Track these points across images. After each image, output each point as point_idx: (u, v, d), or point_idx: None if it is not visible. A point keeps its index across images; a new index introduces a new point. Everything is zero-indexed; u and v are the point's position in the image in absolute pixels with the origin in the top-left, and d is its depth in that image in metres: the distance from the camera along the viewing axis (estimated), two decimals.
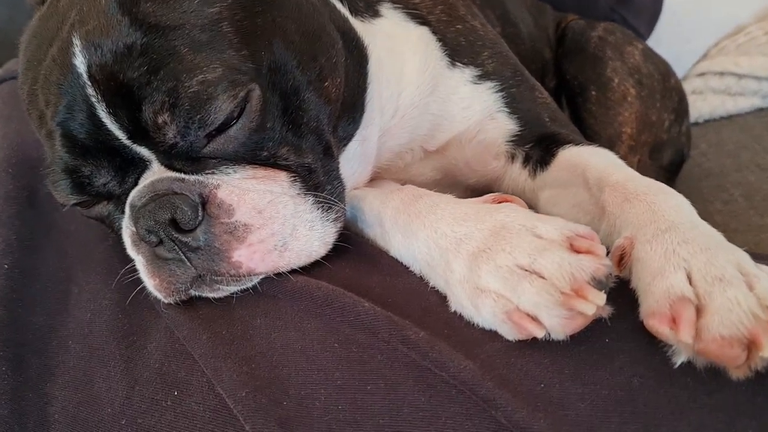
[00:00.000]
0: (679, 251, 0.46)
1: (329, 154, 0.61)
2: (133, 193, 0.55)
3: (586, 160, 0.69)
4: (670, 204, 0.53)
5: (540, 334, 0.45)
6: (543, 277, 0.45)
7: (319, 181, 0.59)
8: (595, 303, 0.43)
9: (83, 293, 0.65)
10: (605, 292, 0.45)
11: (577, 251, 0.46)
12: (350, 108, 0.66)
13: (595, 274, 0.44)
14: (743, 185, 1.13)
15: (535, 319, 0.45)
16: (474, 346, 0.48)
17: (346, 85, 0.64)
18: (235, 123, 0.53)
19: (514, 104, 0.77)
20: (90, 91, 0.52)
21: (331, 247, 0.59)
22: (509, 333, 0.47)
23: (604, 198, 0.59)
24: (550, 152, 0.74)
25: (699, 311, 0.42)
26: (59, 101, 0.54)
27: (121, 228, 0.58)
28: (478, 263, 0.49)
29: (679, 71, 1.35)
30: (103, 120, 0.53)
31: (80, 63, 0.52)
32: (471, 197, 0.81)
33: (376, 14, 0.75)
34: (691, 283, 0.43)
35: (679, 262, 0.45)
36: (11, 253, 0.66)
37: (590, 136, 0.90)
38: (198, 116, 0.51)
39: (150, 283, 0.57)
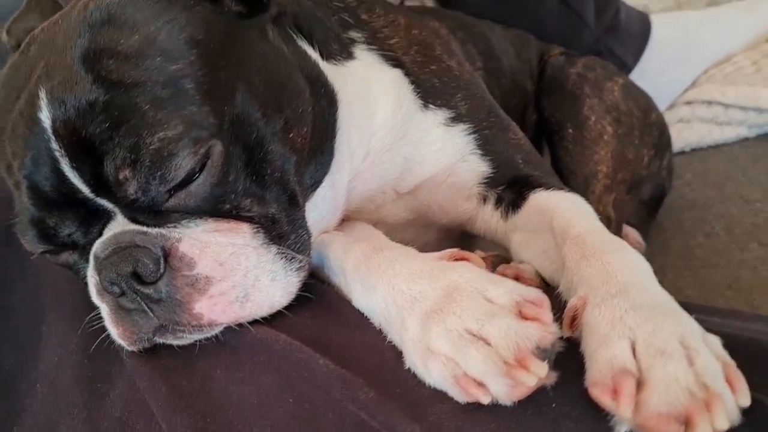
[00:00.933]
0: (625, 319, 0.46)
1: (294, 203, 0.62)
2: (97, 245, 0.56)
3: (554, 206, 0.70)
4: (625, 264, 0.53)
5: (485, 400, 0.45)
6: (489, 344, 0.46)
7: (283, 231, 0.60)
8: (537, 374, 0.43)
9: (52, 336, 0.65)
10: (551, 359, 0.46)
11: (525, 318, 0.47)
12: (319, 154, 0.66)
13: (540, 343, 0.45)
14: (725, 218, 1.14)
15: (482, 384, 0.46)
16: (423, 407, 0.48)
17: (314, 132, 0.65)
18: (197, 178, 0.54)
19: (486, 146, 0.77)
20: (54, 145, 0.53)
21: (294, 296, 0.60)
22: (458, 396, 0.47)
23: (564, 251, 0.60)
24: (522, 195, 0.75)
25: (640, 384, 0.42)
26: (25, 154, 0.55)
27: (86, 276, 0.59)
28: (430, 324, 0.50)
29: (667, 99, 1.37)
30: (66, 174, 0.53)
31: (45, 117, 0.53)
32: (445, 237, 0.83)
33: (350, 56, 0.75)
34: (635, 355, 0.44)
35: (624, 331, 0.45)
36: None
37: (567, 175, 0.90)
38: (159, 173, 0.52)
39: (114, 331, 0.58)
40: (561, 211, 0.68)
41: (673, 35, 1.35)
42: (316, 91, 0.66)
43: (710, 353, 0.44)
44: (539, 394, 0.47)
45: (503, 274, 0.70)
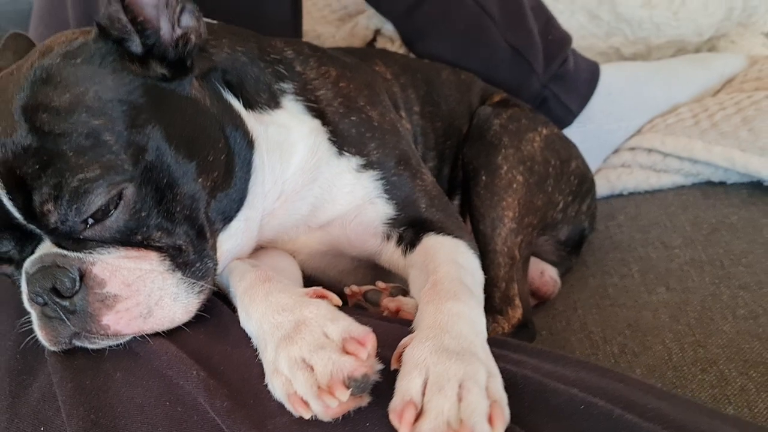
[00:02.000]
0: (427, 359, 0.57)
1: (202, 236, 0.73)
2: (27, 262, 0.68)
3: (436, 250, 0.81)
4: (454, 312, 0.64)
5: (306, 416, 0.56)
6: (313, 371, 0.57)
7: (189, 260, 0.71)
8: (340, 399, 0.54)
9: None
10: (366, 387, 0.57)
11: (347, 352, 0.58)
12: (231, 194, 0.77)
13: (351, 374, 0.56)
14: (643, 261, 1.23)
15: (306, 402, 0.57)
16: (267, 418, 0.59)
17: (226, 175, 0.76)
18: (112, 215, 0.66)
19: (392, 191, 0.88)
20: None
21: (193, 314, 0.71)
22: (291, 410, 0.58)
23: (422, 292, 0.71)
24: (418, 236, 0.86)
25: (420, 414, 0.53)
26: None
27: (20, 286, 0.70)
28: (280, 349, 0.61)
29: (612, 144, 1.47)
30: (4, 203, 0.65)
31: None
32: (359, 265, 0.94)
33: (277, 105, 0.86)
34: (424, 389, 0.54)
35: (422, 368, 0.56)
36: None
37: (477, 217, 1.01)
38: (75, 206, 0.64)
39: (38, 333, 0.70)
40: (438, 255, 0.79)
41: (623, 85, 1.44)
42: (233, 139, 0.78)
43: (482, 394, 0.54)
44: (359, 412, 0.57)
45: (386, 306, 0.81)
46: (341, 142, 0.87)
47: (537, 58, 1.34)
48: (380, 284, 0.89)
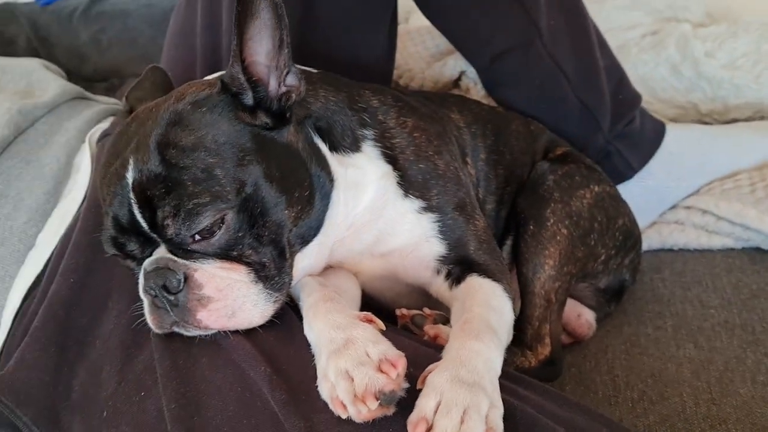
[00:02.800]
0: (444, 386, 0.71)
1: (282, 256, 0.90)
2: (146, 262, 0.86)
3: (475, 291, 0.95)
4: (475, 350, 0.77)
5: (344, 416, 0.72)
6: (353, 382, 0.72)
7: (270, 275, 0.88)
8: (369, 407, 0.69)
9: (114, 308, 0.97)
10: (393, 400, 0.72)
11: (381, 371, 0.73)
12: (311, 222, 0.93)
13: (382, 389, 0.71)
14: (679, 316, 1.32)
15: (345, 405, 0.72)
16: (314, 412, 0.75)
17: (309, 208, 0.92)
18: (216, 234, 0.83)
19: (446, 232, 1.03)
20: (131, 195, 0.83)
21: (267, 318, 0.88)
22: (333, 410, 0.74)
23: (454, 327, 0.85)
24: (464, 275, 1.00)
25: (430, 429, 0.67)
26: (114, 197, 0.85)
27: (137, 278, 0.89)
28: (330, 360, 0.76)
29: (670, 201, 1.55)
30: (135, 214, 0.84)
31: (129, 177, 0.83)
32: (413, 290, 1.08)
33: (357, 149, 1.02)
34: (437, 409, 0.69)
35: (438, 393, 0.70)
36: (78, 271, 1.00)
37: (521, 260, 1.13)
38: (187, 224, 0.81)
39: (148, 317, 0.88)
40: (476, 296, 0.93)
41: (686, 147, 1.52)
42: (317, 178, 0.94)
43: (481, 420, 0.68)
44: (385, 419, 0.72)
45: (427, 332, 0.96)
46: (407, 186, 1.02)
47: (605, 116, 1.44)
48: (426, 311, 1.04)
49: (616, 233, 1.23)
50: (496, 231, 1.25)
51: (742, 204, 1.44)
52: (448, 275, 1.03)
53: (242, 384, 0.81)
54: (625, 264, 1.28)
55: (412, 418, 0.69)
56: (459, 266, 1.02)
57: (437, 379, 0.72)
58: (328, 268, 1.04)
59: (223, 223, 0.83)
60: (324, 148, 0.98)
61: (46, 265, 1.09)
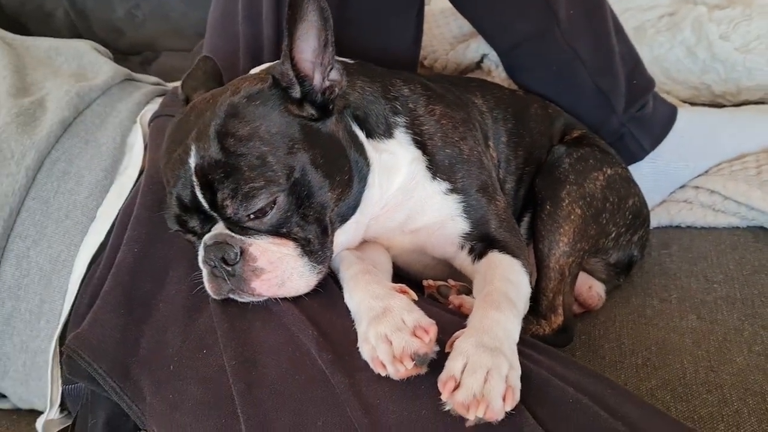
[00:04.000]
0: (469, 350, 0.82)
1: (325, 233, 1.01)
2: (206, 236, 0.98)
3: (495, 266, 1.06)
4: (496, 319, 0.88)
5: (383, 373, 0.84)
6: (392, 344, 0.84)
7: (314, 249, 0.99)
8: (407, 367, 0.81)
9: (174, 275, 1.09)
10: (426, 360, 0.83)
11: (415, 335, 0.84)
12: (350, 202, 1.04)
13: (417, 351, 0.82)
14: (683, 290, 1.42)
15: (384, 365, 0.84)
16: (356, 371, 0.87)
17: (348, 190, 1.02)
18: (269, 214, 0.94)
19: (470, 212, 1.13)
20: (194, 178, 0.94)
21: (312, 288, 0.99)
22: (374, 368, 0.86)
23: (477, 298, 0.96)
24: (485, 251, 1.11)
25: (457, 386, 0.79)
26: (177, 179, 0.96)
27: (197, 251, 1.01)
28: (370, 326, 0.88)
29: (679, 181, 1.65)
30: (197, 195, 0.95)
31: (192, 163, 0.94)
32: (439, 263, 1.19)
33: (390, 135, 1.12)
34: (464, 369, 0.80)
35: (464, 356, 0.81)
36: (141, 242, 1.12)
37: (537, 237, 1.24)
38: (244, 205, 0.92)
39: (207, 285, 1.00)
40: (496, 271, 1.04)
41: (696, 131, 1.61)
42: (355, 163, 1.04)
43: (501, 380, 0.79)
44: (418, 378, 0.84)
45: (452, 302, 1.07)
46: (435, 169, 1.12)
47: (619, 100, 1.53)
48: (451, 282, 1.15)
49: (626, 212, 1.33)
50: (515, 208, 1.35)
51: (748, 185, 1.52)
52: (471, 251, 1.13)
53: (293, 344, 0.92)
54: (634, 241, 1.38)
55: (442, 377, 0.81)
56: (481, 243, 1.13)
57: (464, 345, 0.84)
58: (363, 243, 1.15)
59: (275, 204, 0.94)
60: (361, 135, 1.08)
61: (106, 237, 1.21)
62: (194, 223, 0.99)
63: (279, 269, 0.96)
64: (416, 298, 0.96)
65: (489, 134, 1.31)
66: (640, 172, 1.59)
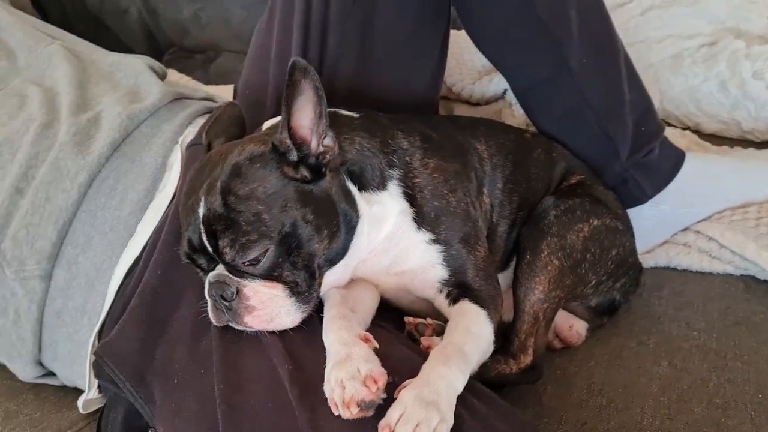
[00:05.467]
0: (408, 401, 0.96)
1: (312, 277, 1.16)
2: (210, 274, 1.15)
3: (462, 316, 1.20)
4: (441, 374, 1.02)
5: (336, 413, 1.00)
6: (344, 390, 0.99)
7: (301, 291, 1.15)
8: (352, 413, 0.97)
9: (188, 300, 1.26)
10: (373, 407, 0.98)
11: (366, 384, 0.99)
12: (338, 250, 1.19)
13: (364, 399, 0.97)
14: (662, 335, 1.51)
15: (336, 405, 1.00)
16: (319, 405, 1.03)
17: (336, 240, 1.16)
18: (261, 262, 1.10)
19: (450, 260, 1.26)
20: (201, 226, 1.11)
21: (297, 324, 1.16)
22: (331, 407, 1.01)
23: (433, 350, 1.10)
24: (459, 297, 1.25)
25: None
26: (189, 224, 1.13)
27: (204, 283, 1.19)
28: (333, 369, 1.03)
29: (682, 224, 1.71)
30: (204, 240, 1.12)
31: (200, 212, 1.11)
32: (421, 300, 1.33)
33: (383, 188, 1.25)
34: (399, 418, 0.95)
35: (403, 406, 0.96)
36: (164, 265, 1.30)
37: (516, 283, 1.35)
38: (240, 254, 1.09)
39: (210, 313, 1.17)
40: (460, 321, 1.18)
41: (702, 177, 1.65)
42: (345, 215, 1.18)
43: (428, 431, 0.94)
44: (366, 419, 0.99)
45: (422, 342, 1.22)
46: (421, 220, 1.25)
47: (624, 146, 1.60)
48: (429, 321, 1.29)
49: (609, 262, 1.42)
50: (507, 249, 1.47)
51: (745, 236, 1.58)
52: (448, 295, 1.27)
53: (272, 375, 1.10)
54: (616, 287, 1.47)
55: (382, 423, 0.96)
56: (457, 289, 1.26)
57: (405, 396, 0.99)
58: (354, 280, 1.30)
59: (266, 254, 1.10)
60: (354, 189, 1.21)
61: (142, 250, 1.41)
62: (201, 261, 1.16)
63: (268, 308, 1.13)
64: (377, 346, 1.10)
65: (485, 181, 1.42)
66: (642, 214, 1.67)
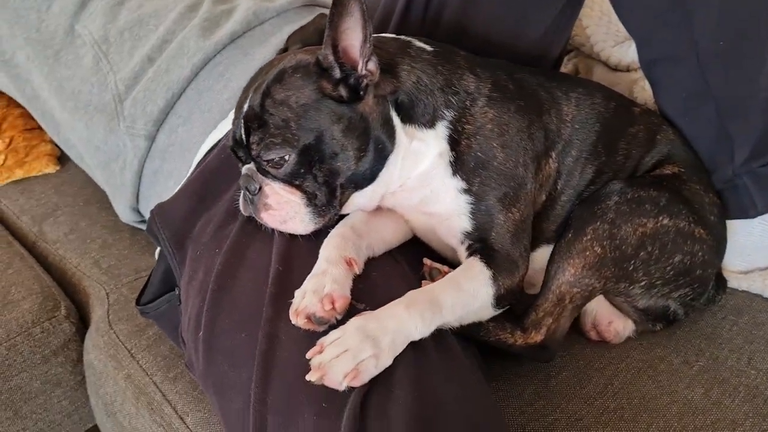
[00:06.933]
0: (350, 328, 0.98)
1: (332, 194, 1.19)
2: (244, 167, 1.24)
3: (462, 268, 1.19)
4: (396, 314, 1.02)
5: (292, 319, 1.06)
6: (305, 300, 1.05)
7: (318, 204, 1.18)
8: (299, 323, 1.02)
9: (235, 184, 1.39)
10: (322, 322, 1.03)
11: (322, 301, 1.04)
12: (365, 174, 1.20)
13: (314, 314, 1.03)
14: (715, 361, 1.35)
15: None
16: (284, 309, 1.10)
17: (361, 164, 1.17)
18: (283, 166, 1.16)
19: (477, 214, 1.23)
20: (242, 121, 1.19)
21: (309, 232, 1.22)
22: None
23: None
24: (475, 252, 1.22)
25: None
26: (236, 117, 1.22)
27: None
28: (309, 279, 1.09)
29: None
30: (242, 134, 1.20)
31: (245, 108, 1.19)
32: (450, 250, 1.33)
33: (431, 126, 1.23)
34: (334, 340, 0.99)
35: (343, 331, 0.98)
36: (226, 150, 1.43)
37: (551, 258, 1.27)
38: (263, 152, 1.15)
39: (239, 203, 1.27)
40: (456, 273, 1.16)
41: None
42: (377, 143, 1.19)
43: (351, 361, 0.93)
44: (315, 335, 1.05)
45: (424, 284, 1.22)
46: (458, 167, 1.23)
47: (743, 149, 1.40)
48: (445, 268, 1.28)
49: (668, 267, 1.29)
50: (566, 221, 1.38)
51: None
52: (469, 247, 1.25)
53: (265, 271, 1.18)
54: (673, 296, 1.33)
55: (320, 340, 1.01)
56: (479, 243, 1.24)
57: (352, 323, 1.02)
58: (384, 210, 1.32)
59: (287, 160, 1.16)
60: (396, 120, 1.21)
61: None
62: (241, 153, 1.25)
63: (284, 210, 1.20)
64: (357, 273, 1.14)
65: (557, 144, 1.33)
66: (749, 228, 1.47)
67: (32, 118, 2.05)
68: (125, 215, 1.78)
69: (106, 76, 1.71)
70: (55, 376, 1.63)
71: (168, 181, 1.60)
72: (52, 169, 2.17)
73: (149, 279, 1.48)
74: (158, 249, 1.60)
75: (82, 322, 1.70)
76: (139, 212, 1.76)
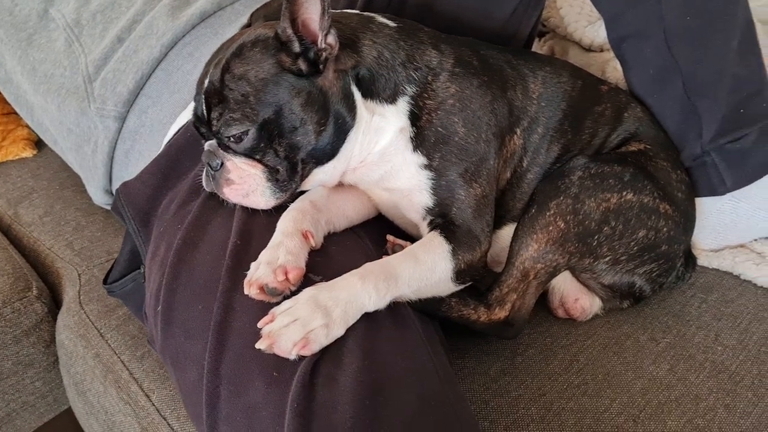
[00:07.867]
0: (302, 298, 0.99)
1: (293, 169, 1.18)
2: (206, 143, 1.24)
3: (421, 242, 1.18)
4: (350, 284, 1.01)
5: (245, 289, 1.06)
6: (258, 271, 1.04)
7: (279, 178, 1.18)
8: (251, 292, 1.02)
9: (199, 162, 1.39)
10: (274, 293, 1.03)
11: (275, 272, 1.04)
12: (325, 149, 1.20)
13: (267, 284, 1.02)
14: (681, 338, 1.35)
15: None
16: (240, 281, 1.09)
17: (321, 140, 1.17)
18: (243, 140, 1.16)
19: (437, 190, 1.23)
20: (203, 96, 1.19)
21: (270, 207, 1.21)
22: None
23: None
24: (436, 226, 1.22)
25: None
26: (197, 93, 1.21)
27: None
28: (266, 250, 1.09)
29: (758, 231, 1.49)
30: (203, 110, 1.20)
31: (205, 83, 1.19)
32: (413, 226, 1.32)
33: (392, 102, 1.22)
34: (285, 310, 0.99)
35: (295, 301, 0.99)
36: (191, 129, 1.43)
37: (515, 234, 1.27)
38: (223, 128, 1.15)
39: (202, 178, 1.27)
40: (417, 246, 1.16)
41: None
42: (337, 118, 1.19)
43: (300, 331, 0.93)
44: (269, 303, 1.04)
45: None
46: (418, 142, 1.22)
47: (711, 127, 1.39)
48: (407, 244, 1.28)
49: (632, 243, 1.28)
50: None
51: None
52: (430, 223, 1.25)
53: (223, 244, 1.18)
54: (638, 272, 1.33)
55: (272, 309, 1.01)
56: (440, 219, 1.23)
57: (305, 292, 1.02)
58: (346, 186, 1.31)
59: (247, 135, 1.15)
60: (357, 95, 1.21)
61: None
62: (203, 130, 1.24)
63: (246, 184, 1.19)
64: (314, 246, 1.13)
65: (523, 121, 1.33)
66: (718, 206, 1.46)
67: (8, 103, 2.04)
68: (98, 197, 1.78)
69: (77, 59, 1.70)
70: (27, 356, 1.63)
71: (139, 162, 1.60)
72: (29, 153, 2.17)
73: (117, 258, 1.48)
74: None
75: (55, 303, 1.70)
76: (112, 194, 1.76)
